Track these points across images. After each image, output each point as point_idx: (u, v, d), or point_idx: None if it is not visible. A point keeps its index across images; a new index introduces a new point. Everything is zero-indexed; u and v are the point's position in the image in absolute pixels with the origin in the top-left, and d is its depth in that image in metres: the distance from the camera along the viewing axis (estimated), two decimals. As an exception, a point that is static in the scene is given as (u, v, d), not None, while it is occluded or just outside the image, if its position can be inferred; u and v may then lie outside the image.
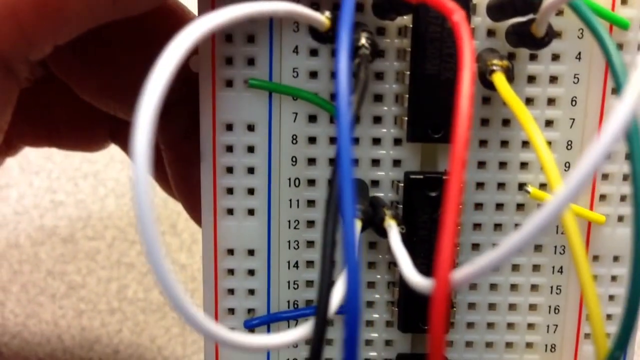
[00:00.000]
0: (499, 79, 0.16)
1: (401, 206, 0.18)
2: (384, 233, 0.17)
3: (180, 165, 0.22)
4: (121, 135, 0.24)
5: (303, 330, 0.14)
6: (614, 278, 0.19)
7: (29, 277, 0.34)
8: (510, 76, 0.16)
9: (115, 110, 0.22)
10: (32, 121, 0.23)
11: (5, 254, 0.34)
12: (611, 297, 0.19)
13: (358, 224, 0.16)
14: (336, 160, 0.13)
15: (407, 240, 0.18)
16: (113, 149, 0.36)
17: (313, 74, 0.18)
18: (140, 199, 0.10)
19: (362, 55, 0.16)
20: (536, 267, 0.19)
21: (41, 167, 0.35)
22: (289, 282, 0.19)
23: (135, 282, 0.35)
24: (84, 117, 0.23)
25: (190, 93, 0.19)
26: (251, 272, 0.19)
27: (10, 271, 0.34)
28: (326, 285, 0.13)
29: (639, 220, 0.12)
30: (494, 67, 0.16)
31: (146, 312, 0.35)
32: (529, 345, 0.20)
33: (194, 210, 0.22)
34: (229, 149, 0.18)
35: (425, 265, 0.18)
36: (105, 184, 0.36)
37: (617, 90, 0.14)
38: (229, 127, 0.18)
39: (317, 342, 0.13)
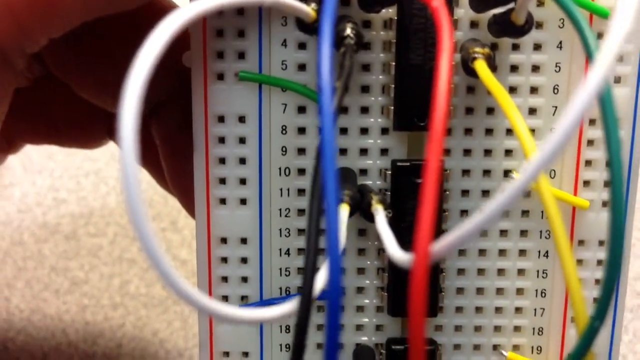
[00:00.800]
0: (481, 66, 0.16)
1: (389, 193, 0.18)
2: (371, 218, 0.17)
3: (175, 159, 0.22)
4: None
5: (293, 304, 0.14)
6: (599, 262, 0.19)
7: (33, 274, 0.35)
8: (491, 64, 0.17)
9: (113, 106, 0.22)
10: (32, 119, 0.23)
11: (10, 251, 0.35)
12: (597, 281, 0.20)
13: (345, 209, 0.17)
14: (320, 140, 0.13)
15: (394, 226, 0.18)
16: (113, 148, 0.37)
17: (301, 67, 0.18)
18: (124, 155, 0.11)
19: (347, 44, 0.16)
20: (522, 252, 0.19)
21: (44, 166, 0.36)
22: (280, 269, 0.19)
23: (137, 278, 0.36)
24: (82, 115, 0.24)
25: (184, 88, 0.19)
26: (244, 260, 0.19)
27: (14, 268, 0.34)
28: (311, 269, 0.13)
29: (617, 185, 0.12)
30: (476, 55, 0.17)
31: (148, 306, 0.35)
32: (516, 329, 0.20)
33: (189, 204, 0.22)
34: (221, 140, 0.19)
35: (412, 245, 0.18)
36: (107, 182, 0.37)
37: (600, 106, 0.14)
38: (221, 119, 0.19)
39: (301, 327, 0.13)
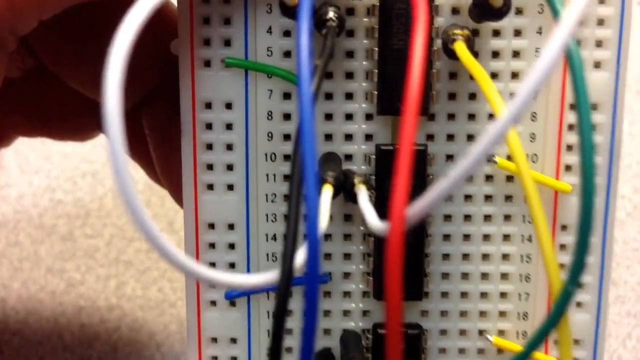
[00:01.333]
0: (460, 47, 0.17)
1: (373, 177, 0.19)
2: (355, 199, 0.18)
3: (165, 149, 0.23)
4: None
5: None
6: (583, 247, 0.20)
7: (29, 275, 0.35)
8: (471, 45, 0.18)
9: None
10: (25, 112, 0.24)
11: (6, 252, 0.35)
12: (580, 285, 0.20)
13: (329, 189, 0.17)
14: (299, 118, 0.14)
15: (378, 209, 0.19)
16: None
17: (286, 53, 0.19)
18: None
19: (330, 27, 0.17)
20: (506, 237, 0.20)
21: (40, 167, 0.37)
22: (267, 254, 0.20)
23: (133, 280, 0.36)
24: (74, 107, 0.24)
25: (172, 78, 0.20)
26: (231, 246, 0.20)
27: (10, 269, 0.35)
28: (290, 254, 0.14)
29: (584, 132, 0.13)
30: (455, 37, 0.17)
31: (144, 309, 0.36)
32: (502, 314, 0.20)
33: (179, 194, 0.23)
34: (209, 126, 0.20)
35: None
36: (104, 183, 0.38)
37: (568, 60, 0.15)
38: (208, 105, 0.19)
39: (280, 307, 0.14)
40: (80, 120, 0.25)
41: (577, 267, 0.13)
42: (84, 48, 0.22)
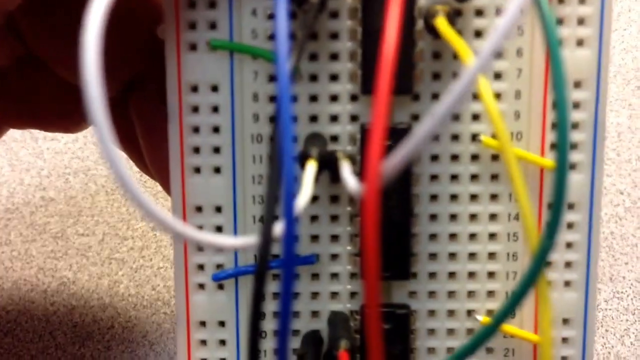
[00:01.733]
0: (441, 22, 0.18)
1: (359, 157, 0.20)
2: (339, 177, 0.19)
3: (153, 136, 0.23)
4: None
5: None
6: (570, 225, 0.21)
7: (21, 274, 0.36)
8: (453, 21, 0.18)
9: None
10: (15, 101, 0.25)
11: (-3, 250, 0.36)
12: (569, 245, 0.21)
13: (313, 164, 0.18)
14: (277, 89, 0.14)
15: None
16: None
17: (271, 35, 0.20)
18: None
19: (311, 3, 0.18)
20: (493, 216, 0.21)
21: (31, 164, 0.37)
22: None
23: (126, 278, 0.37)
24: (63, 97, 0.25)
25: (158, 65, 0.21)
26: (219, 229, 0.21)
27: (1, 268, 0.36)
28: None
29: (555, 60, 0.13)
30: (436, 12, 0.18)
31: (137, 308, 0.37)
32: (490, 293, 0.21)
33: (167, 182, 0.23)
34: (195, 109, 0.20)
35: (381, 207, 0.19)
36: (96, 181, 0.38)
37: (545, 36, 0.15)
38: (194, 89, 0.20)
39: (257, 289, 0.14)
40: (70, 111, 0.26)
41: (554, 223, 0.14)
42: (73, 35, 0.22)
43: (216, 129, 0.20)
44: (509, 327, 0.21)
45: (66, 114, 0.26)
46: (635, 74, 0.37)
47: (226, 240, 0.15)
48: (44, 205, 0.37)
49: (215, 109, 0.20)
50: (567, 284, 0.21)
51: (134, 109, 0.23)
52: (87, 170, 0.38)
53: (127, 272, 0.37)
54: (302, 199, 0.17)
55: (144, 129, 0.23)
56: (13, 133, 0.37)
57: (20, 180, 0.37)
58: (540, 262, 0.14)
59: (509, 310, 0.14)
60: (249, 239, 0.15)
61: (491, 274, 0.21)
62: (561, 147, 0.14)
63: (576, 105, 0.20)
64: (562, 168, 0.14)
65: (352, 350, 0.19)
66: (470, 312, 0.21)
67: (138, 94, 0.23)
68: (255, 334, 0.14)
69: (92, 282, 0.37)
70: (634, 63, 0.37)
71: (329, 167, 0.19)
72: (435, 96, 0.20)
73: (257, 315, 0.14)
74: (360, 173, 0.20)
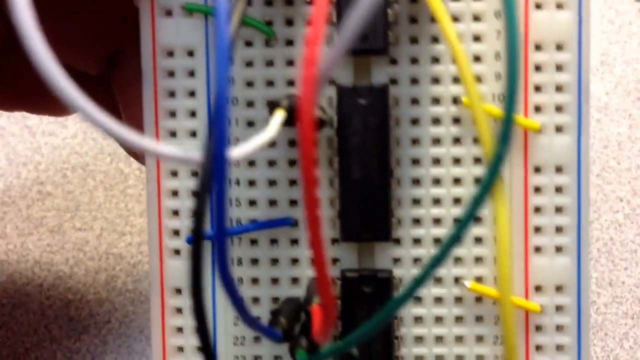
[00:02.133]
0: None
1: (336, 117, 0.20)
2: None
3: (134, 108, 0.23)
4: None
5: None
6: (558, 189, 0.20)
7: (16, 267, 0.36)
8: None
9: (77, 62, 0.24)
10: (1, 84, 0.25)
11: (-7, 244, 0.36)
12: (558, 209, 0.20)
13: (281, 112, 0.18)
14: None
15: (341, 148, 0.19)
16: (102, 142, 0.39)
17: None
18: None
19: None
20: (477, 180, 0.20)
21: (29, 158, 0.38)
22: (230, 199, 0.20)
23: (124, 273, 0.37)
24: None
25: (137, 39, 0.21)
26: (195, 193, 0.20)
27: (-3, 261, 0.36)
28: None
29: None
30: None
31: (135, 303, 0.37)
32: (477, 259, 0.21)
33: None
34: (170, 73, 0.20)
35: (360, 169, 0.19)
36: (95, 176, 0.38)
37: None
38: (170, 53, 0.20)
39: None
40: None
41: (507, 126, 0.14)
42: (54, 10, 0.23)
43: (192, 93, 0.20)
44: (477, 285, 0.20)
45: (49, 95, 0.26)
46: (636, 85, 0.38)
47: (166, 148, 0.15)
48: (40, 199, 0.37)
49: (191, 73, 0.20)
50: (559, 249, 0.20)
51: (115, 85, 0.23)
52: (85, 165, 0.38)
53: (125, 267, 0.37)
54: (259, 139, 0.17)
55: (125, 104, 0.24)
56: (11, 127, 0.38)
57: (17, 173, 0.37)
58: (497, 168, 0.14)
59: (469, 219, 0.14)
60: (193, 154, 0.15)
61: (478, 239, 0.21)
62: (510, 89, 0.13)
63: (559, 68, 0.20)
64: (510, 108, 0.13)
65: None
66: (457, 279, 0.21)
67: (119, 69, 0.23)
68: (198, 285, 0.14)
69: (89, 276, 0.37)
70: (634, 75, 0.38)
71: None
72: (414, 60, 0.20)
73: (197, 256, 0.14)
74: (340, 142, 0.20)
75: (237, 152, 0.16)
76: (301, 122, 0.13)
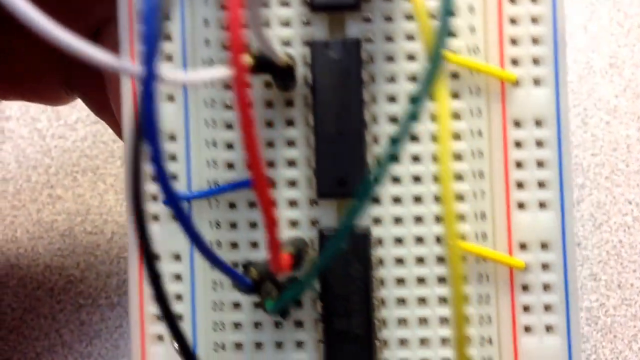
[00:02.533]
0: None
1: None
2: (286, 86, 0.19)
3: (116, 83, 0.24)
4: (75, 83, 0.27)
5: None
6: (539, 143, 0.20)
7: (27, 271, 0.37)
8: None
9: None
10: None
11: (2, 248, 0.37)
12: (540, 163, 0.20)
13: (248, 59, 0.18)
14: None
15: (315, 104, 0.20)
16: (112, 146, 0.40)
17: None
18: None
19: None
20: (456, 135, 0.20)
21: (39, 161, 0.39)
22: (207, 161, 0.21)
23: (134, 277, 0.37)
24: (40, 64, 0.26)
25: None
26: (172, 157, 0.21)
27: (7, 265, 0.37)
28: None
29: None
30: None
31: (146, 306, 0.37)
32: (460, 217, 0.20)
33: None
34: (147, 38, 0.21)
35: (334, 123, 0.20)
36: (105, 180, 0.39)
37: None
38: (146, 18, 0.21)
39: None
40: (46, 79, 0.27)
41: (437, 50, 0.14)
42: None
43: (169, 57, 0.21)
44: (465, 244, 0.20)
45: (41, 82, 0.27)
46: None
47: (106, 56, 0.15)
48: (51, 203, 0.38)
49: (168, 37, 0.21)
50: (542, 204, 0.20)
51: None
52: (96, 169, 0.39)
53: (136, 270, 0.38)
54: (212, 72, 0.17)
55: (115, 86, 0.24)
56: (20, 130, 0.39)
57: (27, 177, 0.38)
58: (438, 63, 0.14)
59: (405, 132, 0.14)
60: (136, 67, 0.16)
61: (458, 196, 0.20)
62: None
63: (534, 20, 0.20)
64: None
65: (299, 256, 0.18)
66: (439, 239, 0.21)
67: (104, 36, 0.24)
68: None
69: (100, 280, 0.37)
70: (640, 77, 0.38)
71: (271, 69, 0.19)
72: (387, 18, 0.20)
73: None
74: (313, 98, 0.20)
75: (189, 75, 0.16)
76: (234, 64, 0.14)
